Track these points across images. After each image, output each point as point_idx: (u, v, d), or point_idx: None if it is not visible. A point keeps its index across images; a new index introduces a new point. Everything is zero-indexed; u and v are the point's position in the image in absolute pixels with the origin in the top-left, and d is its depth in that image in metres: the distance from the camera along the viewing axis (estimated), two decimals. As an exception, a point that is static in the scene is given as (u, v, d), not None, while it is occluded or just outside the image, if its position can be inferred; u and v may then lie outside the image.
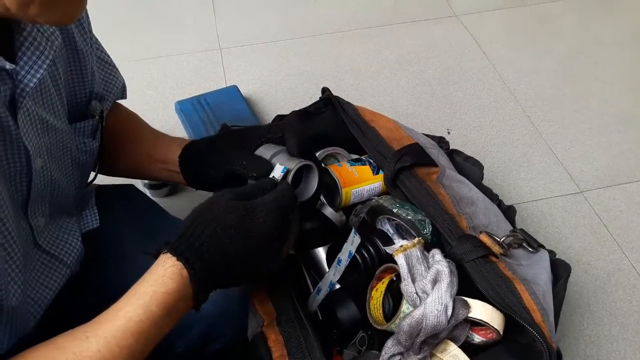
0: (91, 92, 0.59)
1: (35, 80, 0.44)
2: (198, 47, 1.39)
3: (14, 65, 0.42)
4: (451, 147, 0.85)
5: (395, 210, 0.65)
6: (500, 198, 0.78)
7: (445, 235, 0.62)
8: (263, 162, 0.58)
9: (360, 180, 0.74)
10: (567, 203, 1.09)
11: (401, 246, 0.59)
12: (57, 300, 0.54)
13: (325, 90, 0.82)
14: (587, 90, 1.32)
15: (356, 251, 0.63)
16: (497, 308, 0.55)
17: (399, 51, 1.40)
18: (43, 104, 0.49)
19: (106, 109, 0.63)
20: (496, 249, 0.60)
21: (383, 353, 0.56)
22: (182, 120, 1.15)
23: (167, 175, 0.67)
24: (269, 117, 1.22)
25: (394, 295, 0.61)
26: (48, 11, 0.38)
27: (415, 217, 0.64)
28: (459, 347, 0.54)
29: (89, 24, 0.59)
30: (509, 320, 0.55)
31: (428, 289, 0.55)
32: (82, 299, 0.59)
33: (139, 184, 0.99)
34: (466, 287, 0.56)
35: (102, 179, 0.70)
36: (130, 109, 0.73)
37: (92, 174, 0.65)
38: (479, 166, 0.80)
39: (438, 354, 0.54)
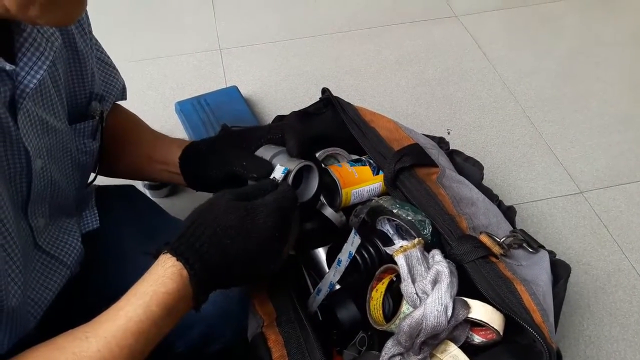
0: (91, 92, 0.59)
1: (35, 81, 0.44)
2: (198, 48, 1.39)
3: (14, 66, 0.42)
4: (451, 147, 0.85)
5: (395, 211, 0.65)
6: (500, 198, 0.78)
7: (445, 236, 0.62)
8: (263, 162, 0.58)
9: (361, 181, 0.74)
10: (567, 203, 1.09)
11: (401, 247, 0.59)
12: (57, 300, 0.54)
13: (325, 91, 0.82)
14: (588, 91, 1.32)
15: (356, 252, 0.63)
16: (497, 309, 0.55)
17: (399, 52, 1.40)
18: (43, 105, 0.49)
19: (106, 109, 0.63)
20: (496, 249, 0.60)
21: (383, 353, 0.56)
22: (182, 120, 1.15)
23: (168, 176, 0.67)
24: (269, 117, 1.22)
25: (394, 295, 0.61)
26: (48, 12, 0.38)
27: (415, 217, 0.64)
28: (459, 347, 0.54)
29: (89, 24, 0.59)
30: (509, 321, 0.55)
31: (428, 289, 0.55)
32: (82, 299, 0.59)
33: (139, 184, 0.99)
34: (466, 287, 0.56)
35: (102, 180, 0.70)
36: (131, 109, 0.73)
37: (92, 175, 0.65)
38: (479, 166, 0.80)
39: (438, 355, 0.54)
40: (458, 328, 0.54)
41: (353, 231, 0.63)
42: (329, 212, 0.71)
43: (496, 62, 1.38)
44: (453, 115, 1.25)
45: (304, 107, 0.82)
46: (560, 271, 0.67)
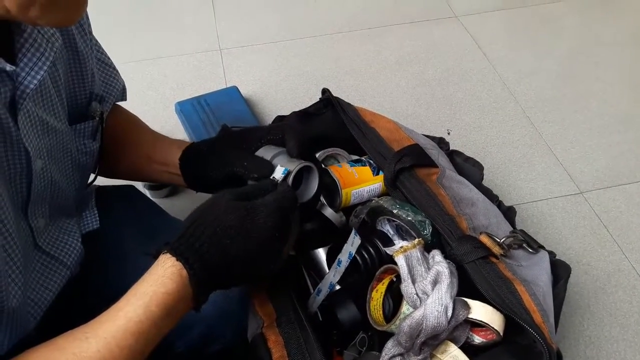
0: (91, 93, 0.59)
1: (35, 81, 0.44)
2: (198, 48, 1.39)
3: (14, 67, 0.42)
4: (451, 147, 0.85)
5: (395, 211, 0.65)
6: (500, 199, 0.78)
7: (445, 236, 0.63)
8: (264, 163, 0.58)
9: (361, 181, 0.74)
10: (567, 204, 1.09)
11: (401, 247, 0.59)
12: (57, 301, 0.54)
13: (325, 91, 0.82)
14: (587, 91, 1.32)
15: (356, 252, 0.63)
16: (497, 309, 0.55)
17: (399, 52, 1.40)
18: (43, 106, 0.49)
19: (106, 110, 0.63)
20: (496, 249, 0.60)
21: (383, 354, 0.56)
22: (182, 121, 1.15)
23: (168, 177, 0.67)
24: (269, 117, 1.22)
25: (394, 296, 0.61)
26: (49, 13, 0.38)
27: (415, 218, 0.64)
28: (459, 348, 0.54)
29: (89, 25, 0.59)
30: (509, 321, 0.55)
31: (428, 290, 0.55)
32: (82, 299, 0.59)
33: (139, 185, 0.99)
34: (466, 288, 0.56)
35: (102, 180, 0.70)
36: (131, 109, 0.73)
37: (92, 176, 0.66)
38: (479, 167, 0.80)
39: (438, 355, 0.54)
40: (458, 328, 0.54)
41: (353, 231, 0.63)
42: (329, 212, 0.71)
43: (496, 62, 1.38)
44: (453, 116, 1.25)
45: (304, 107, 0.82)
46: (560, 271, 0.67)
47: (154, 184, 1.03)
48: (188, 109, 1.15)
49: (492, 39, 1.45)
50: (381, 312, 0.61)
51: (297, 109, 0.81)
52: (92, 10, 0.56)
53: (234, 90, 1.21)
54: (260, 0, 1.55)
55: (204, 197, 0.53)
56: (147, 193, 1.04)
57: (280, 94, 1.28)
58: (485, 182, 0.80)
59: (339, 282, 0.63)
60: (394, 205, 0.66)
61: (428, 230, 0.64)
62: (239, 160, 0.59)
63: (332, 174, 0.73)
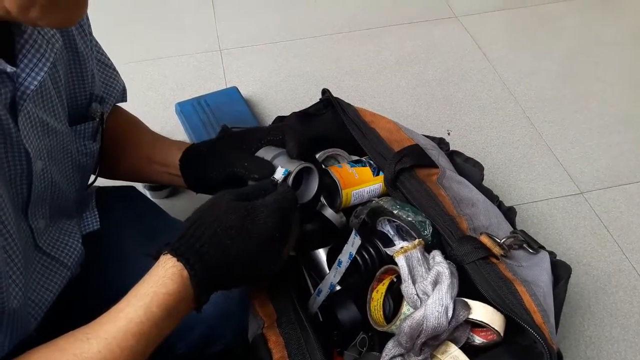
0: (91, 94, 0.59)
1: (36, 82, 0.44)
2: (198, 49, 1.39)
3: (14, 68, 0.42)
4: (451, 148, 0.85)
5: (395, 212, 0.65)
6: (500, 199, 0.78)
7: (445, 237, 0.63)
8: (265, 163, 0.58)
9: (361, 182, 0.74)
10: (567, 204, 1.09)
11: (402, 247, 0.59)
12: (58, 302, 0.54)
13: (325, 92, 0.82)
14: (587, 91, 1.32)
15: (357, 252, 0.63)
16: (498, 309, 0.55)
17: (399, 52, 1.40)
18: (44, 107, 0.49)
19: (106, 111, 0.63)
20: (497, 250, 0.60)
21: (384, 354, 0.56)
22: (182, 121, 1.15)
23: (168, 178, 0.67)
24: (269, 118, 1.22)
25: (395, 296, 0.61)
26: (49, 14, 0.38)
27: (416, 218, 0.64)
28: (460, 348, 0.54)
29: (89, 26, 0.59)
30: (509, 322, 0.55)
31: (429, 290, 0.55)
32: (83, 300, 0.59)
33: (139, 185, 0.99)
34: (467, 288, 0.56)
35: (103, 181, 0.71)
36: (131, 110, 0.73)
37: (92, 177, 0.66)
38: (479, 167, 0.80)
39: (439, 356, 0.54)
40: (459, 329, 0.54)
41: (353, 232, 0.63)
42: (329, 213, 0.71)
43: (496, 62, 1.38)
44: (453, 116, 1.25)
45: (304, 108, 0.82)
46: (560, 272, 0.67)
47: (154, 185, 1.03)
48: (188, 110, 1.15)
49: (492, 39, 1.45)
50: (381, 312, 0.61)
51: (297, 110, 0.81)
52: (91, 10, 0.56)
53: (234, 90, 1.21)
54: (260, 0, 1.55)
55: (204, 197, 0.53)
56: (148, 194, 1.04)
57: (280, 94, 1.28)
58: (485, 183, 0.80)
59: (339, 283, 0.63)
60: (394, 206, 0.66)
61: (428, 231, 0.64)
62: (240, 161, 0.59)
63: (333, 174, 0.73)
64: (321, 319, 0.63)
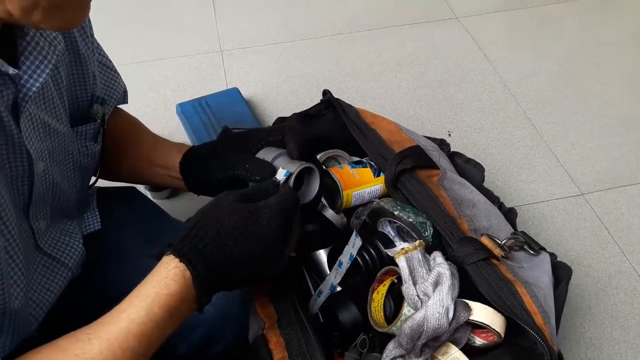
0: (92, 95, 0.59)
1: (37, 84, 0.44)
2: (199, 49, 1.39)
3: (16, 70, 0.42)
4: (452, 149, 0.85)
5: (396, 213, 0.65)
6: (501, 200, 0.78)
7: (446, 238, 0.63)
8: (266, 165, 0.58)
9: (362, 183, 0.74)
10: (568, 205, 1.09)
11: (402, 249, 0.59)
12: (59, 302, 0.55)
13: (326, 93, 0.82)
14: (588, 92, 1.32)
15: (357, 253, 0.63)
16: (499, 311, 0.55)
17: (400, 53, 1.40)
18: (45, 108, 0.49)
19: (108, 112, 0.63)
20: (497, 251, 0.60)
21: (384, 355, 0.56)
22: (183, 122, 1.15)
23: (169, 180, 0.67)
24: (270, 119, 1.22)
25: (395, 297, 0.61)
26: (51, 17, 0.38)
27: (417, 219, 0.64)
28: (460, 349, 0.54)
29: (91, 27, 0.59)
30: (510, 323, 0.56)
31: (429, 291, 0.55)
32: (84, 301, 0.59)
33: (140, 186, 0.99)
34: (467, 289, 0.57)
35: (104, 182, 0.71)
36: (132, 111, 0.74)
37: (93, 178, 0.66)
38: (480, 168, 0.80)
39: (439, 357, 0.54)
40: (459, 330, 0.54)
41: (354, 233, 0.64)
42: (330, 213, 0.71)
43: (497, 63, 1.38)
44: (454, 117, 1.25)
45: (305, 108, 0.82)
46: (561, 273, 0.67)
47: (155, 186, 1.03)
48: (189, 111, 1.15)
49: (493, 40, 1.45)
50: (382, 313, 0.61)
51: (298, 111, 0.81)
52: (92, 11, 0.55)
53: (235, 91, 1.21)
54: (261, 1, 1.55)
55: (205, 198, 0.53)
56: (149, 194, 1.04)
57: (281, 95, 1.28)
58: (486, 184, 0.80)
59: (340, 284, 0.63)
60: (395, 207, 0.66)
61: (429, 232, 0.64)
62: (240, 163, 0.59)
63: (333, 175, 0.73)
64: (322, 320, 0.63)
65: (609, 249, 1.02)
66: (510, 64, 1.38)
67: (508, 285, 0.57)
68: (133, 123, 0.73)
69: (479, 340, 0.56)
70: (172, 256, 0.46)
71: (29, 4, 0.36)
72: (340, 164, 0.81)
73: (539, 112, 1.27)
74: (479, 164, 0.81)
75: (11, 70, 0.41)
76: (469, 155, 0.83)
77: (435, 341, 0.54)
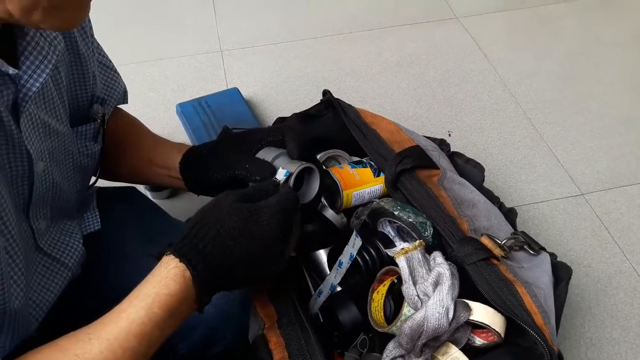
0: (93, 95, 0.59)
1: (37, 84, 0.44)
2: (199, 49, 1.39)
3: (16, 70, 0.42)
4: (452, 149, 0.85)
5: (396, 213, 0.65)
6: (501, 200, 0.78)
7: (446, 238, 0.63)
8: (266, 165, 0.58)
9: (362, 183, 0.74)
10: (568, 205, 1.09)
11: (402, 249, 0.59)
12: (59, 302, 0.55)
13: (326, 93, 0.82)
14: (588, 92, 1.32)
15: (357, 253, 0.63)
16: (499, 311, 0.55)
17: (400, 53, 1.40)
18: (45, 108, 0.49)
19: (108, 112, 0.63)
20: (497, 251, 0.60)
21: (384, 355, 0.56)
22: (183, 122, 1.15)
23: (169, 181, 0.67)
24: (270, 119, 1.22)
25: (395, 297, 0.61)
26: (51, 17, 0.38)
27: (417, 219, 0.65)
28: (460, 349, 0.54)
29: (91, 27, 0.59)
30: (510, 323, 0.56)
31: (429, 291, 0.55)
32: (84, 301, 0.59)
33: (140, 186, 0.99)
34: (467, 289, 0.57)
35: (104, 182, 0.71)
36: (132, 111, 0.74)
37: (93, 178, 0.66)
38: (480, 168, 0.80)
39: (439, 357, 0.54)
40: (459, 330, 0.54)
41: (354, 233, 0.64)
42: (330, 213, 0.71)
43: (497, 63, 1.38)
44: (454, 117, 1.25)
45: (305, 108, 0.82)
46: (561, 273, 0.67)
47: (155, 186, 1.03)
48: (189, 111, 1.15)
49: (493, 40, 1.45)
50: (382, 313, 0.61)
51: (298, 111, 0.81)
52: (92, 11, 0.55)
53: (235, 91, 1.21)
54: (261, 1, 1.55)
55: (205, 198, 0.53)
56: (149, 194, 1.04)
57: (281, 95, 1.28)
58: (486, 184, 0.80)
59: (340, 284, 0.63)
60: (395, 207, 0.66)
61: (429, 232, 0.64)
62: (240, 163, 0.59)
63: (333, 175, 0.73)
64: (322, 320, 0.63)
65: (609, 249, 1.02)
66: (510, 64, 1.38)
67: (508, 285, 0.57)
68: (133, 123, 0.73)
69: (479, 340, 0.56)
70: (172, 256, 0.46)
71: (29, 4, 0.36)
72: (340, 164, 0.81)
73: (539, 112, 1.27)
74: (479, 164, 0.81)
75: (11, 70, 0.41)
76: (469, 155, 0.83)
77: (435, 341, 0.54)
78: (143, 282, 0.45)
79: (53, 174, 0.52)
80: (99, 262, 0.63)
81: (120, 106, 0.70)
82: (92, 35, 0.59)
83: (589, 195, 1.11)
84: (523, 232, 0.67)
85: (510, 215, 0.75)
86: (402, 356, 0.55)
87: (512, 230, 0.70)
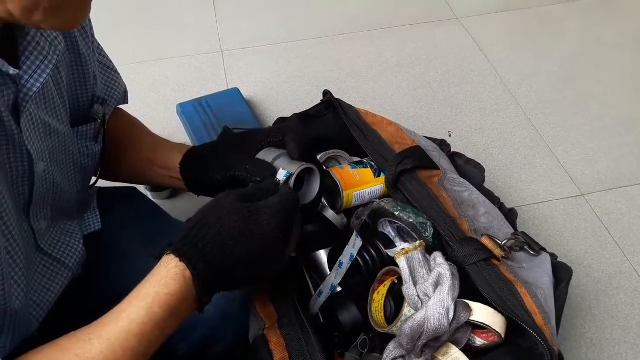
0: (93, 95, 0.59)
1: (38, 84, 0.44)
2: (199, 50, 1.39)
3: (17, 70, 0.42)
4: (452, 149, 0.85)
5: (396, 213, 0.65)
6: (501, 201, 0.78)
7: (446, 238, 0.63)
8: (267, 166, 0.58)
9: (362, 183, 0.74)
10: (568, 206, 1.09)
11: (403, 249, 0.59)
12: (60, 302, 0.55)
13: (326, 93, 0.82)
14: (588, 93, 1.32)
15: (358, 254, 0.63)
16: (499, 311, 0.55)
17: (400, 54, 1.40)
18: (46, 108, 0.49)
19: (108, 113, 0.63)
20: (498, 252, 0.60)
21: (385, 356, 0.56)
22: (183, 122, 1.15)
23: (170, 181, 0.67)
24: (270, 119, 1.22)
25: (396, 298, 0.61)
26: (52, 17, 0.38)
27: (417, 220, 0.65)
28: (461, 350, 0.54)
29: (92, 27, 0.59)
30: (510, 324, 0.56)
31: (430, 292, 0.55)
32: (84, 301, 0.59)
33: (140, 186, 0.99)
34: (468, 290, 0.57)
35: (104, 182, 0.71)
36: (132, 111, 0.74)
37: (94, 178, 0.66)
38: (480, 169, 0.80)
39: (440, 357, 0.54)
40: (460, 330, 0.54)
41: (355, 233, 0.64)
42: (330, 214, 0.71)
43: (497, 64, 1.38)
44: (454, 118, 1.25)
45: (305, 109, 0.82)
46: (561, 274, 0.67)
47: (155, 186, 1.03)
48: (189, 111, 1.15)
49: (493, 41, 1.45)
50: (382, 314, 0.61)
51: (298, 111, 0.81)
52: (92, 11, 0.55)
53: (236, 91, 1.21)
54: (262, 1, 1.55)
55: (206, 199, 0.53)
56: (149, 194, 1.04)
57: (282, 95, 1.28)
58: (486, 184, 0.80)
59: (340, 284, 0.63)
60: (396, 207, 0.66)
61: (429, 232, 0.64)
62: (241, 163, 0.59)
63: (334, 175, 0.73)
64: (322, 320, 0.63)
65: (610, 249, 1.02)
66: (510, 64, 1.38)
67: (508, 285, 0.57)
68: (133, 123, 0.73)
69: (479, 341, 0.56)
70: (172, 256, 0.46)
71: (30, 4, 0.36)
72: (340, 164, 0.81)
73: (539, 112, 1.27)
74: (479, 164, 0.81)
75: (12, 71, 0.41)
76: (469, 155, 0.83)
77: (436, 341, 0.54)
78: (143, 282, 0.45)
79: (54, 174, 0.52)
80: (99, 262, 0.63)
81: (121, 106, 0.70)
82: (93, 35, 0.59)
83: (590, 196, 1.11)
84: (523, 233, 0.67)
85: (510, 215, 0.75)
86: (402, 356, 0.55)
87: (513, 231, 0.70)
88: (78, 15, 0.41)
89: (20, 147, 0.45)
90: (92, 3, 0.42)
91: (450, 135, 1.21)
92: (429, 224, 0.64)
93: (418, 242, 0.60)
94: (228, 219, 0.47)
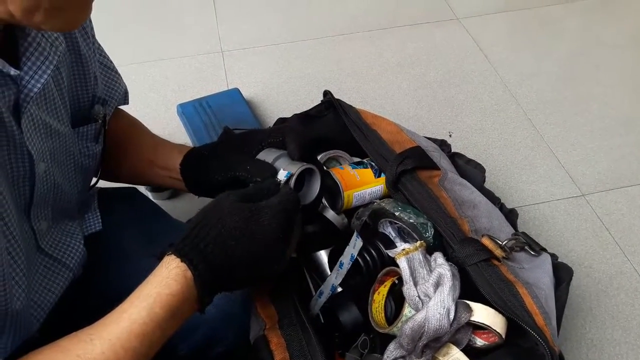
0: (94, 96, 0.59)
1: (39, 85, 0.44)
2: (200, 50, 1.39)
3: (18, 71, 0.42)
4: (453, 150, 0.85)
5: (397, 214, 0.65)
6: (502, 201, 0.78)
7: (447, 239, 0.63)
8: (267, 166, 0.58)
9: (362, 183, 0.74)
10: (569, 206, 1.09)
11: (403, 249, 0.59)
12: (60, 303, 0.55)
13: (327, 93, 0.82)
14: (589, 93, 1.32)
15: (358, 254, 0.63)
16: (500, 311, 0.55)
17: (401, 54, 1.40)
18: (46, 109, 0.49)
19: (109, 113, 0.63)
20: (498, 252, 0.60)
21: (385, 356, 0.56)
22: (183, 123, 1.15)
23: (170, 182, 0.67)
24: (270, 119, 1.22)
25: (396, 298, 0.61)
26: (53, 18, 0.38)
27: (417, 220, 0.65)
28: (461, 350, 0.54)
29: (92, 28, 0.59)
30: (511, 324, 0.56)
31: (430, 292, 0.55)
32: (85, 301, 0.59)
33: (141, 187, 0.99)
34: (468, 290, 0.57)
35: (105, 182, 0.71)
36: (132, 111, 0.74)
37: (95, 178, 0.66)
38: (480, 169, 0.80)
39: (440, 358, 0.54)
40: (460, 331, 0.54)
41: (355, 234, 0.64)
42: (330, 214, 0.71)
43: (497, 64, 1.38)
44: (455, 118, 1.25)
45: (305, 109, 0.82)
46: (562, 274, 0.67)
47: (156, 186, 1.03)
48: (190, 111, 1.15)
49: (494, 41, 1.45)
50: (383, 314, 0.61)
51: (298, 111, 0.81)
52: (93, 12, 0.56)
53: (236, 92, 1.21)
54: (262, 2, 1.55)
55: (206, 199, 0.53)
56: (149, 195, 1.04)
57: (282, 96, 1.28)
58: (487, 185, 0.80)
59: (340, 284, 0.63)
60: (396, 208, 0.66)
61: (430, 233, 0.64)
62: (241, 164, 0.59)
63: (334, 176, 0.73)
64: (322, 321, 0.63)
65: (610, 249, 1.02)
66: (510, 64, 1.38)
67: (509, 286, 0.57)
68: (134, 124, 0.73)
69: (480, 341, 0.56)
70: (173, 256, 0.46)
71: (30, 5, 0.36)
72: (341, 164, 0.81)
73: (539, 113, 1.27)
74: (479, 164, 0.81)
75: (12, 71, 0.41)
76: (469, 156, 0.83)
77: (436, 342, 0.54)
78: (144, 282, 0.45)
79: (54, 174, 0.52)
80: (100, 262, 0.63)
81: (121, 107, 0.70)
82: (94, 36, 0.59)
83: (590, 196, 1.11)
84: (524, 233, 0.67)
85: (511, 216, 0.75)
86: (402, 357, 0.55)
87: (513, 231, 0.70)
88: (79, 16, 0.41)
89: (21, 148, 0.45)
90: (93, 4, 0.42)
91: (450, 136, 1.21)
92: (429, 224, 0.64)
93: (418, 242, 0.60)
94: (229, 219, 0.47)
